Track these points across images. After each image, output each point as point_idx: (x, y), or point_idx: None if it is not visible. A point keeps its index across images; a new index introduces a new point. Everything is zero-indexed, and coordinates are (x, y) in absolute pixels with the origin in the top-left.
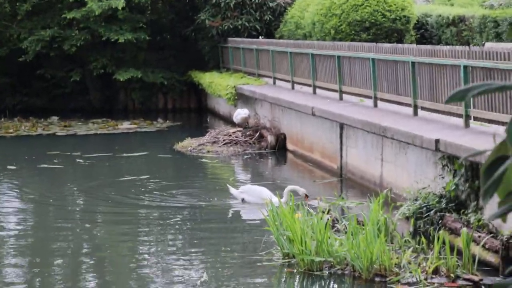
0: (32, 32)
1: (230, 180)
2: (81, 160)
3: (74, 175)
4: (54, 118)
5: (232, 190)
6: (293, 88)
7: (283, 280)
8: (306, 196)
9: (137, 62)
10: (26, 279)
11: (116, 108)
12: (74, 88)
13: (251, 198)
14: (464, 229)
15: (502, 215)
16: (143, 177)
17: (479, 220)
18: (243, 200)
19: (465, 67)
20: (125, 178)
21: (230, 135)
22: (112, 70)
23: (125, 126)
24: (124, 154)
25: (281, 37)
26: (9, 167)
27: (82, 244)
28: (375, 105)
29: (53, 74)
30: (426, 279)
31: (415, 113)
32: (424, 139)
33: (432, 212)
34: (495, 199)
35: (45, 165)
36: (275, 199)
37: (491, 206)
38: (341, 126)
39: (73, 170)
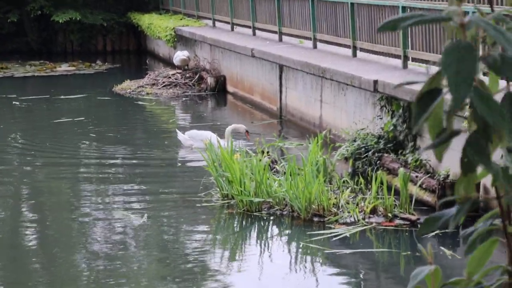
0: None
1: (170, 122)
2: (17, 103)
3: (10, 117)
4: None
5: (180, 135)
6: (232, 29)
7: (222, 220)
8: (247, 132)
9: (75, 3)
10: None
11: (54, 50)
12: (11, 29)
13: (198, 143)
14: (402, 169)
15: (438, 154)
16: (81, 119)
17: (416, 160)
18: (191, 147)
19: (404, 8)
20: (63, 120)
21: (170, 77)
22: (50, 11)
23: (64, 68)
24: (62, 97)
25: None
26: None
27: (20, 188)
28: (315, 47)
29: None
30: (364, 218)
31: (354, 54)
32: (362, 80)
33: (370, 152)
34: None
35: None
36: (219, 142)
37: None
38: (281, 68)
39: (9, 112)
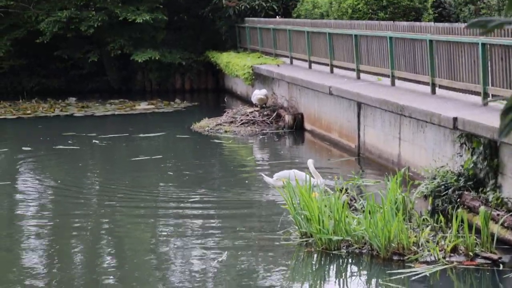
0: (49, 14)
1: (248, 160)
2: (97, 141)
3: (90, 156)
4: (72, 99)
5: (268, 179)
6: (310, 67)
7: (301, 259)
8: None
9: (154, 42)
10: (45, 260)
11: (133, 89)
12: (91, 69)
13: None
14: (483, 207)
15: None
16: (160, 157)
17: (497, 198)
18: (284, 187)
19: (483, 44)
20: (141, 158)
21: (248, 115)
22: (129, 50)
23: (143, 106)
24: (141, 135)
25: (298, 17)
26: (24, 148)
27: (100, 225)
28: (393, 84)
29: (70, 55)
30: (444, 257)
31: (433, 91)
32: (442, 118)
33: (450, 190)
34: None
35: (61, 146)
36: (314, 180)
37: (510, 184)
38: (359, 105)
39: (89, 150)
